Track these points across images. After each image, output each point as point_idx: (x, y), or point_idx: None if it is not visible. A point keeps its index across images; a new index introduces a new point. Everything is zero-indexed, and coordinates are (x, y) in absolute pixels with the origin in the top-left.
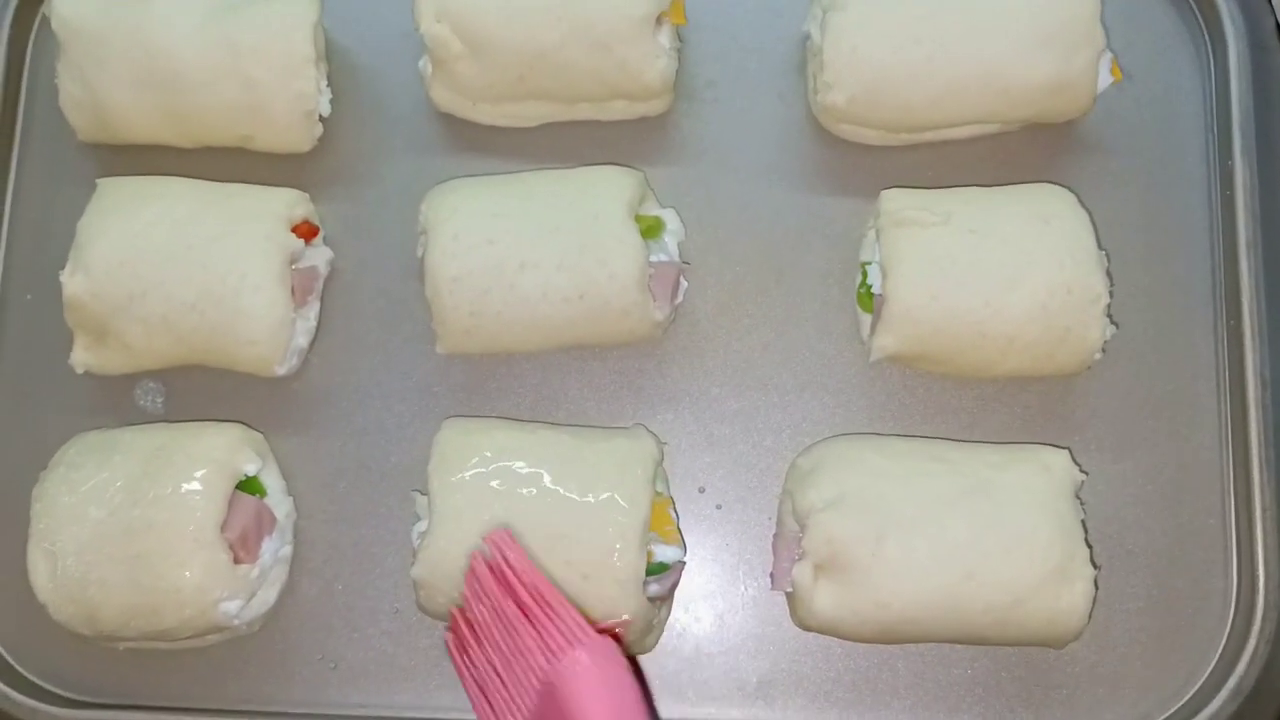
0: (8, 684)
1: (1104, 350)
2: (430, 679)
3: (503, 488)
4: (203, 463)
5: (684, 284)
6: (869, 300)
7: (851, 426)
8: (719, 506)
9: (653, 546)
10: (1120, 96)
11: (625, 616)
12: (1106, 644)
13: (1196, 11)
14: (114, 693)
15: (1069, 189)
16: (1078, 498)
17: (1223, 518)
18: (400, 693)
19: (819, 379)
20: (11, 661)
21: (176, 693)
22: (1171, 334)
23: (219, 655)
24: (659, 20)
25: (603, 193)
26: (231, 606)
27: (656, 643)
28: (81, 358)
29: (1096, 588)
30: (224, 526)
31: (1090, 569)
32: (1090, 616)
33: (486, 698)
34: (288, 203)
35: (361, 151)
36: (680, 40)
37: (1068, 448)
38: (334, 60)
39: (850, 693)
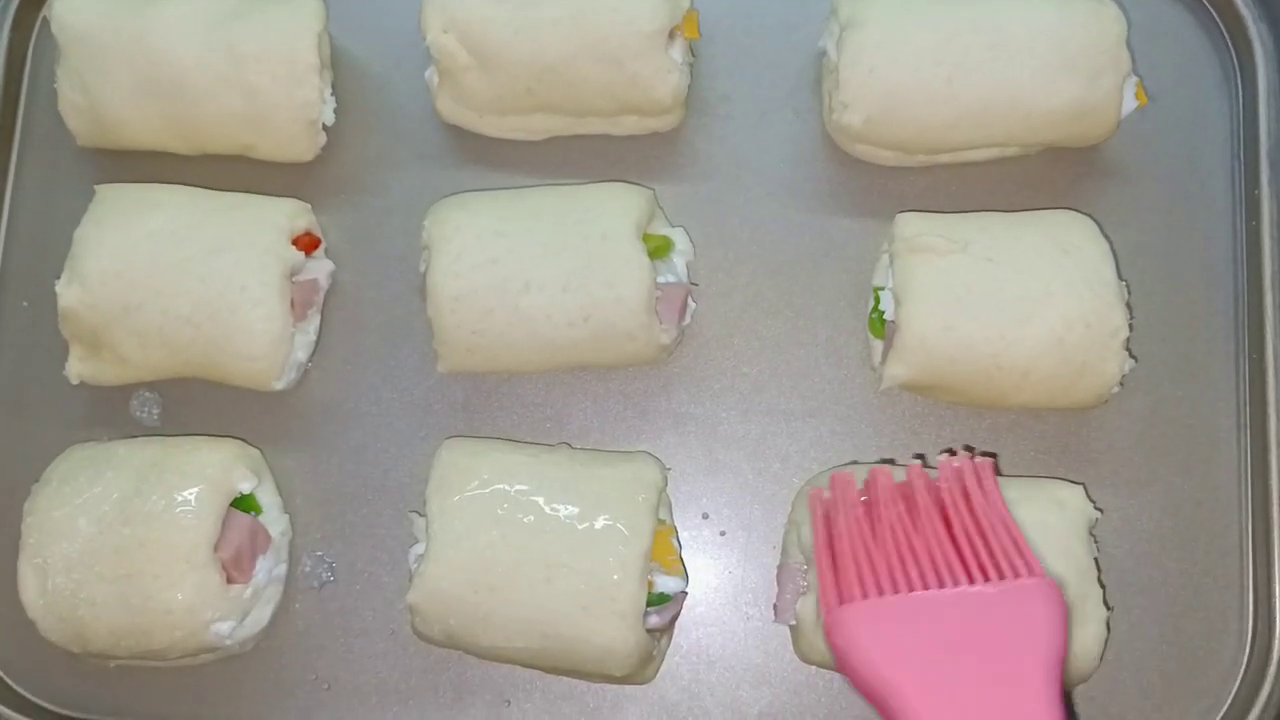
0: None
1: (1122, 383)
2: (426, 703)
3: (502, 513)
4: (197, 480)
5: (692, 305)
6: (881, 326)
7: (861, 455)
8: (723, 533)
9: (654, 577)
10: (1144, 121)
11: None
12: (1117, 685)
13: (1225, 35)
14: (105, 710)
15: (1089, 216)
16: (1091, 534)
17: (1240, 557)
18: (394, 717)
19: (828, 405)
20: (3, 676)
21: (168, 711)
22: (1192, 367)
23: (212, 674)
24: (672, 34)
25: (610, 211)
26: (224, 627)
27: (656, 673)
28: (76, 368)
29: (1108, 629)
30: (217, 546)
31: (1103, 610)
32: (1101, 659)
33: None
34: (289, 214)
35: (366, 162)
36: (693, 55)
37: (1082, 483)
38: (339, 69)
39: None
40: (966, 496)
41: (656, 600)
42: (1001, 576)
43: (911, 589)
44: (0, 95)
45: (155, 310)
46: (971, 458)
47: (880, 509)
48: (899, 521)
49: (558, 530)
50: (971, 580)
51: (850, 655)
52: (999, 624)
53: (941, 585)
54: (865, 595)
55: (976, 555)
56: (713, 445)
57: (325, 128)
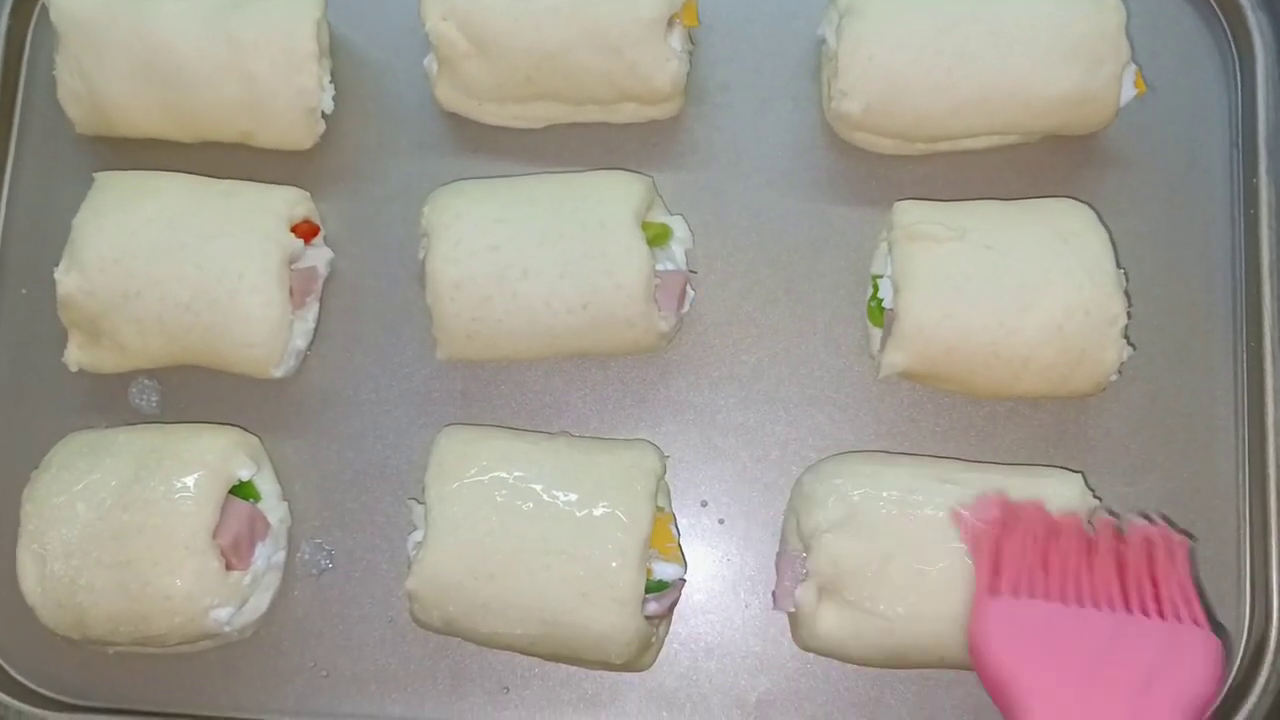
0: None
1: (1120, 371)
2: (424, 690)
3: (500, 499)
4: (195, 467)
5: (691, 293)
6: (879, 314)
7: (859, 443)
8: (721, 521)
9: (652, 564)
10: (1143, 110)
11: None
12: None
13: (1224, 23)
14: (104, 696)
15: (1088, 204)
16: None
17: (1237, 544)
18: (393, 703)
19: (827, 393)
20: (2, 663)
21: (167, 697)
22: (1190, 355)
23: (210, 661)
24: (671, 22)
25: (609, 199)
26: (222, 614)
27: (655, 660)
28: (76, 356)
29: None
30: (216, 532)
31: None
32: None
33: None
34: (288, 201)
35: (364, 150)
36: (692, 43)
37: (1080, 471)
38: (338, 56)
39: (851, 715)
40: (1150, 551)
41: (655, 587)
42: (1164, 619)
43: (1068, 603)
44: None
45: (154, 297)
46: (1167, 530)
47: (1061, 536)
48: (1075, 549)
49: (557, 517)
50: (1131, 612)
51: (984, 649)
52: (1147, 658)
53: (1099, 608)
54: (1018, 595)
55: (1142, 595)
56: (711, 433)
57: (324, 115)
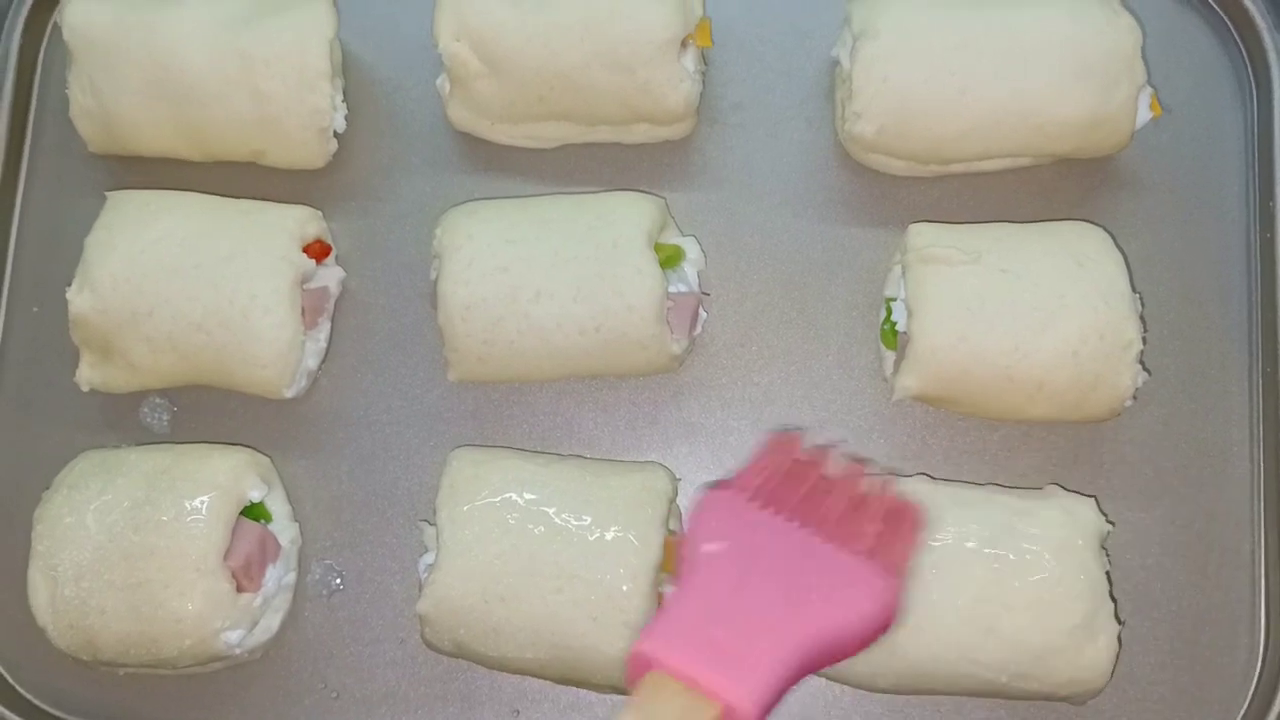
0: (7, 706)
1: (1135, 396)
2: (435, 712)
3: (512, 522)
4: (207, 488)
5: (703, 315)
6: (893, 337)
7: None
8: None
9: (664, 588)
10: (1159, 132)
11: None
12: (1128, 699)
13: (1240, 45)
14: (115, 716)
15: (1103, 228)
16: (1103, 548)
17: (1252, 571)
18: None
19: (839, 416)
20: (12, 683)
21: (177, 717)
22: (1205, 380)
23: (221, 682)
24: (684, 43)
25: (622, 220)
26: (233, 636)
27: None
28: (87, 375)
29: (1120, 643)
30: (227, 554)
31: (1114, 624)
32: (1113, 673)
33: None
34: (300, 221)
35: (377, 169)
36: (705, 63)
37: (1094, 495)
38: (350, 75)
39: None
40: (885, 509)
41: None
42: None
43: (778, 512)
44: (11, 101)
45: (166, 317)
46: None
47: (813, 466)
48: (819, 480)
49: (568, 540)
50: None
51: (693, 518)
52: (817, 579)
53: (804, 526)
54: (748, 498)
55: (851, 536)
56: (723, 455)
57: (336, 134)
